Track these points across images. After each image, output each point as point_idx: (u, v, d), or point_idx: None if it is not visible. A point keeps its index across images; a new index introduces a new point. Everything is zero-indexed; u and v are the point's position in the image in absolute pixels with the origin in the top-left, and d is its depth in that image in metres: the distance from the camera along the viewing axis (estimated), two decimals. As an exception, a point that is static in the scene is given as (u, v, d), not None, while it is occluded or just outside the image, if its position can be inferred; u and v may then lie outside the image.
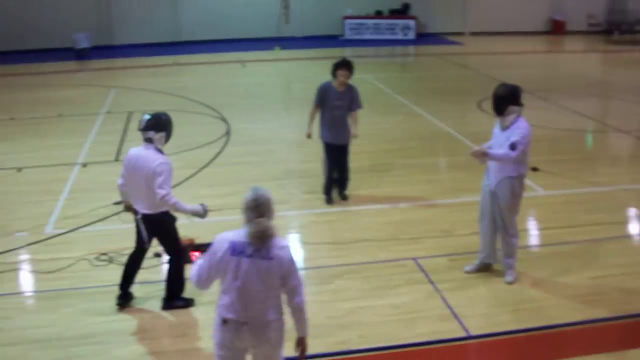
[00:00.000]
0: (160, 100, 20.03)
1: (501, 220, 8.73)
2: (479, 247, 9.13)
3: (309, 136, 11.80)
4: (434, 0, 34.90)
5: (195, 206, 8.06)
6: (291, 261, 5.64)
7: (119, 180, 8.32)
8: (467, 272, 9.15)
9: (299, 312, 5.75)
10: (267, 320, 5.63)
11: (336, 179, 11.84)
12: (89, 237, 10.60)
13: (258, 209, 5.56)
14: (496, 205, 8.69)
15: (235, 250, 5.55)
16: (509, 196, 8.58)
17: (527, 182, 12.22)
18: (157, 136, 7.98)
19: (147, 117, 8.00)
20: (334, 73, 11.41)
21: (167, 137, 8.13)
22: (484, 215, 8.91)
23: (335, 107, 11.39)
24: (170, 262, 8.44)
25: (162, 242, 8.40)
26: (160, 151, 8.00)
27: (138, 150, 8.05)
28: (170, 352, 7.58)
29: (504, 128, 8.46)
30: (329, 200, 11.73)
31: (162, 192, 7.74)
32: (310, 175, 12.67)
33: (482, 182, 8.92)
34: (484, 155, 8.41)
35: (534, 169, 12.73)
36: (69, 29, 30.69)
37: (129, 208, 8.42)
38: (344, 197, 11.83)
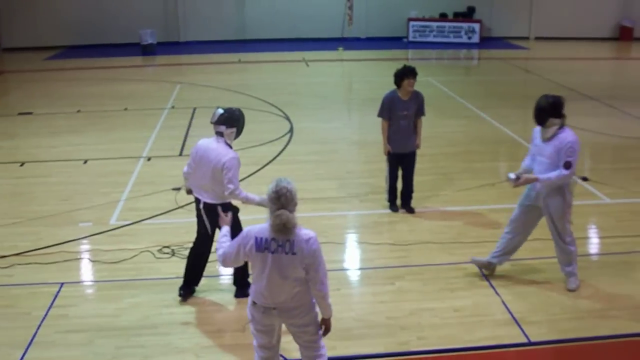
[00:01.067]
0: (224, 97, 20.17)
1: (555, 230, 8.61)
2: (497, 247, 9.06)
3: (389, 153, 11.22)
4: (499, 4, 34.51)
5: (263, 197, 8.14)
6: (314, 253, 5.74)
7: (185, 168, 8.49)
8: (473, 262, 9.21)
9: (320, 299, 5.97)
10: (294, 305, 5.88)
11: (401, 191, 11.51)
12: (152, 230, 10.76)
13: (279, 200, 5.65)
14: (548, 215, 8.57)
15: (260, 246, 5.73)
16: (562, 205, 8.47)
17: (592, 190, 12.18)
18: (228, 131, 8.11)
19: (220, 111, 8.15)
20: (399, 83, 10.89)
21: (238, 133, 8.27)
22: (517, 222, 8.84)
23: (402, 117, 10.98)
24: None
25: None
26: (229, 146, 8.13)
27: (208, 142, 8.19)
28: (230, 345, 7.64)
29: (546, 139, 8.36)
30: (395, 209, 11.47)
31: (231, 186, 7.92)
32: (373, 175, 12.64)
33: (525, 193, 8.83)
34: (535, 181, 8.38)
35: (584, 179, 12.58)
36: (136, 25, 31.18)
37: (190, 191, 8.56)
38: (410, 210, 11.46)
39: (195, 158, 8.23)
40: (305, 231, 5.76)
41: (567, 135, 8.25)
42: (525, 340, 7.71)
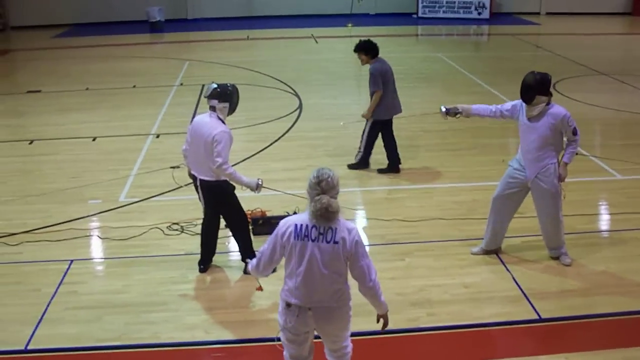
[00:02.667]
0: (233, 74, 20.11)
1: (553, 206, 8.48)
2: (488, 233, 8.96)
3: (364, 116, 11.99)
4: (510, -21, 34.36)
5: (251, 179, 8.20)
6: (357, 244, 5.45)
7: (184, 146, 8.49)
8: (474, 254, 9.06)
9: (372, 298, 5.66)
10: (332, 307, 5.55)
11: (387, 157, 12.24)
12: (160, 207, 10.75)
13: (320, 185, 5.38)
14: (544, 193, 8.43)
15: (300, 234, 5.43)
16: (555, 182, 8.36)
17: (603, 165, 12.11)
18: (220, 106, 8.07)
19: (214, 85, 8.17)
20: None
21: (231, 109, 8.21)
22: (504, 203, 8.72)
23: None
24: (234, 230, 8.59)
25: (222, 210, 8.50)
26: (222, 121, 8.08)
27: (202, 117, 8.22)
28: (240, 322, 7.64)
29: (533, 117, 8.23)
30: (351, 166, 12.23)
31: (219, 160, 7.87)
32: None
33: (509, 173, 8.69)
34: (565, 167, 8.33)
35: None
36: (143, 2, 31.06)
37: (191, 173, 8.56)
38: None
39: (191, 134, 8.23)
40: (346, 221, 5.52)
41: (559, 109, 8.19)
42: (535, 316, 7.68)
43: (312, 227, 5.40)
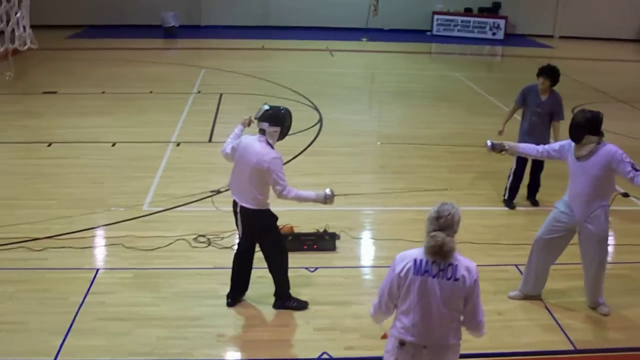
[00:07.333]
0: (250, 84, 20.08)
1: (599, 252, 8.10)
2: (529, 276, 8.58)
3: (500, 133, 11.66)
4: (525, 1, 34.35)
5: (318, 193, 7.74)
6: (475, 283, 5.31)
7: (227, 149, 8.00)
8: (511, 298, 8.65)
9: (476, 331, 5.55)
10: (447, 344, 5.41)
11: (528, 184, 11.73)
12: (186, 217, 10.61)
13: (438, 221, 5.24)
14: (591, 238, 8.01)
15: (420, 269, 5.27)
16: (605, 225, 7.97)
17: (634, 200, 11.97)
18: (271, 129, 7.61)
19: (266, 107, 7.71)
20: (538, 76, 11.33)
21: (282, 134, 7.74)
22: (549, 248, 8.36)
23: (534, 113, 11.26)
24: (271, 262, 8.08)
25: (261, 241, 8.02)
26: (271, 145, 7.64)
27: (251, 140, 7.72)
28: (275, 341, 7.52)
29: (581, 157, 7.85)
30: (512, 206, 11.61)
31: (279, 188, 7.49)
32: (408, 171, 12.49)
33: (555, 215, 8.29)
34: None
35: (625, 195, 12.29)
36: (158, 6, 31.08)
37: None
38: (535, 203, 11.70)
39: (238, 156, 7.79)
40: (465, 259, 5.36)
41: (610, 147, 7.76)
42: (571, 347, 7.58)
43: (432, 263, 5.25)
